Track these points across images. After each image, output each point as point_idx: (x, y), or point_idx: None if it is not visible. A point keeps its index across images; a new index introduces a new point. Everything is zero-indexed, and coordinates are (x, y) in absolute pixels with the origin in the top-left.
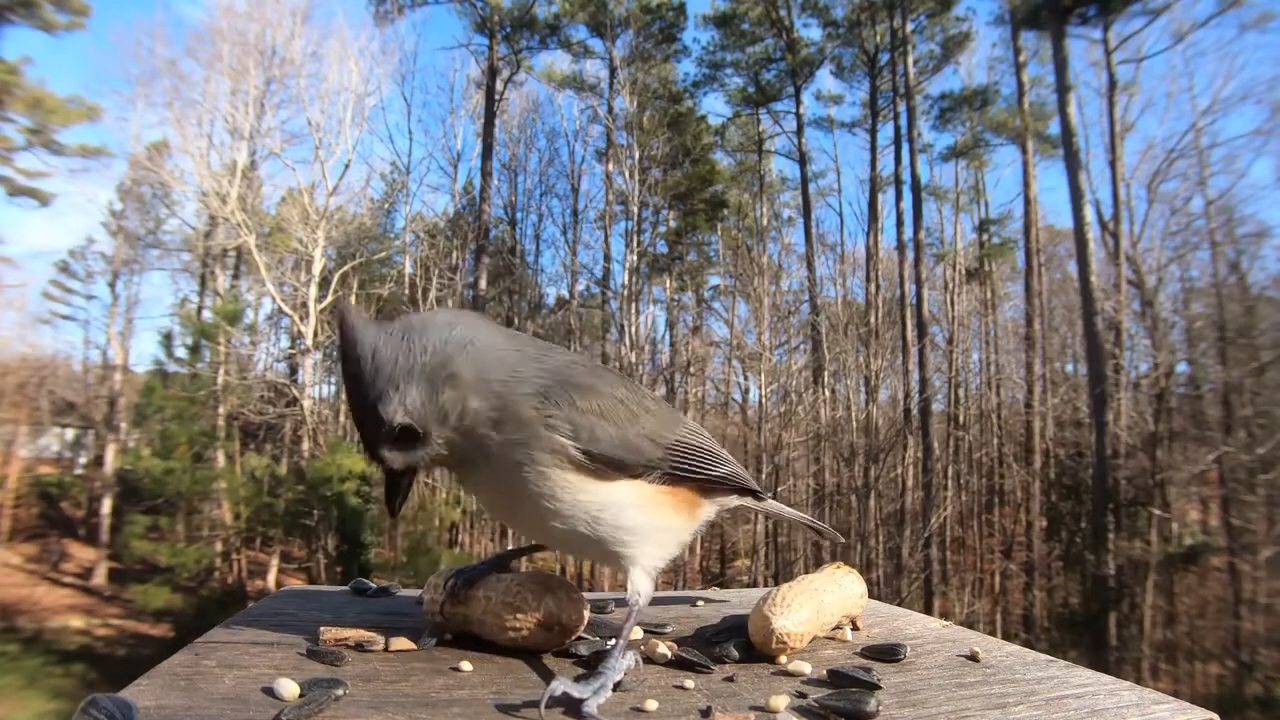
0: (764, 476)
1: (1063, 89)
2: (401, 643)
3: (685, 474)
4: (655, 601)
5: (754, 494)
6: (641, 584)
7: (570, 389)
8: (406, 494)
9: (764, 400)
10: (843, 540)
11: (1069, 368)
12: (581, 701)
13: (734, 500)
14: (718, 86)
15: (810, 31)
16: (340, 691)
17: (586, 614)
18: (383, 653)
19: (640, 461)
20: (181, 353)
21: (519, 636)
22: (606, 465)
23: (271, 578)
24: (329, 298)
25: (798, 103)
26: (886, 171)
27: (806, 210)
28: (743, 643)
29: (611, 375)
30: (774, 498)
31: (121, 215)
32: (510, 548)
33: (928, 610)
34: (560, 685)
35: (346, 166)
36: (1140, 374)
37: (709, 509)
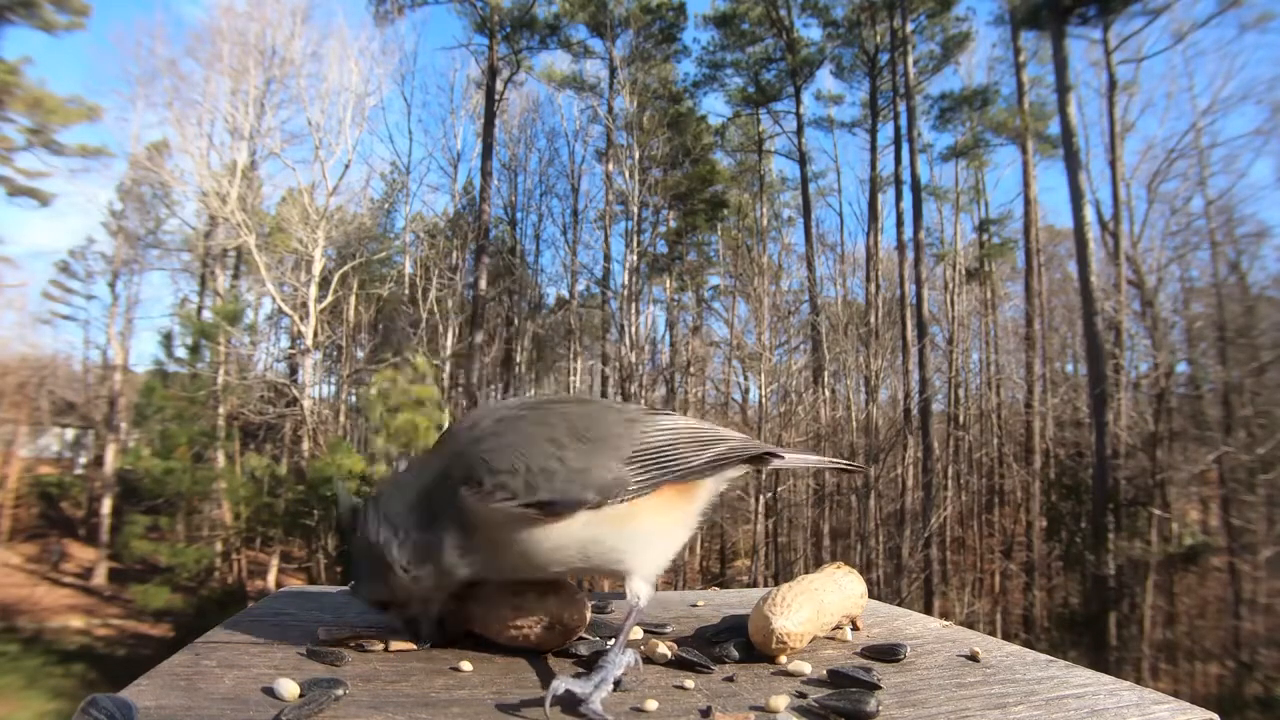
0: (764, 476)
1: (1063, 89)
2: (401, 643)
3: (659, 478)
4: (655, 601)
5: (763, 457)
6: (640, 589)
7: (486, 456)
8: (433, 622)
9: (764, 400)
10: (868, 470)
11: (1069, 368)
12: (584, 699)
13: (738, 471)
14: (718, 86)
15: (810, 31)
16: (340, 691)
17: (588, 614)
18: (383, 653)
19: (596, 489)
20: (181, 353)
21: (520, 636)
22: (562, 507)
23: (271, 578)
24: (329, 298)
25: (798, 103)
26: (886, 171)
27: (806, 210)
28: (743, 643)
29: (540, 413)
30: (788, 451)
31: (121, 215)
32: None
33: (928, 610)
34: (562, 684)
35: (346, 166)
36: (1140, 374)
37: (709, 488)
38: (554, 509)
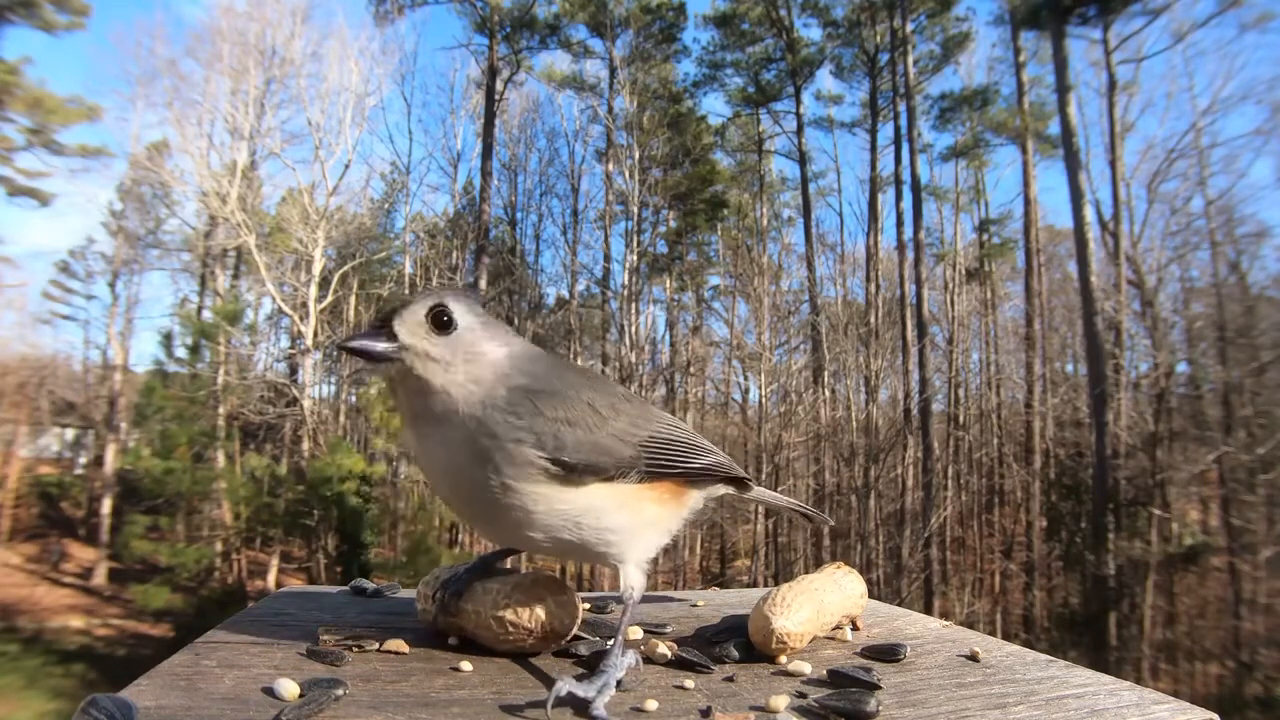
0: (764, 477)
1: (1063, 89)
2: (399, 644)
3: (663, 469)
4: (655, 601)
5: (741, 482)
6: (634, 579)
7: (533, 396)
8: (370, 366)
9: (764, 400)
10: (831, 523)
11: (1069, 368)
12: (589, 702)
13: (720, 489)
14: (718, 86)
15: (810, 31)
16: (340, 691)
17: (580, 614)
18: (382, 653)
19: (613, 463)
20: (181, 353)
21: (513, 646)
22: (578, 471)
23: (271, 578)
24: (329, 298)
25: (798, 103)
26: (886, 171)
27: (806, 210)
28: (743, 643)
29: (577, 376)
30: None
31: (121, 215)
32: (495, 550)
33: (928, 610)
34: (565, 686)
35: (346, 166)
36: (1140, 374)
37: (695, 499)
38: (572, 470)
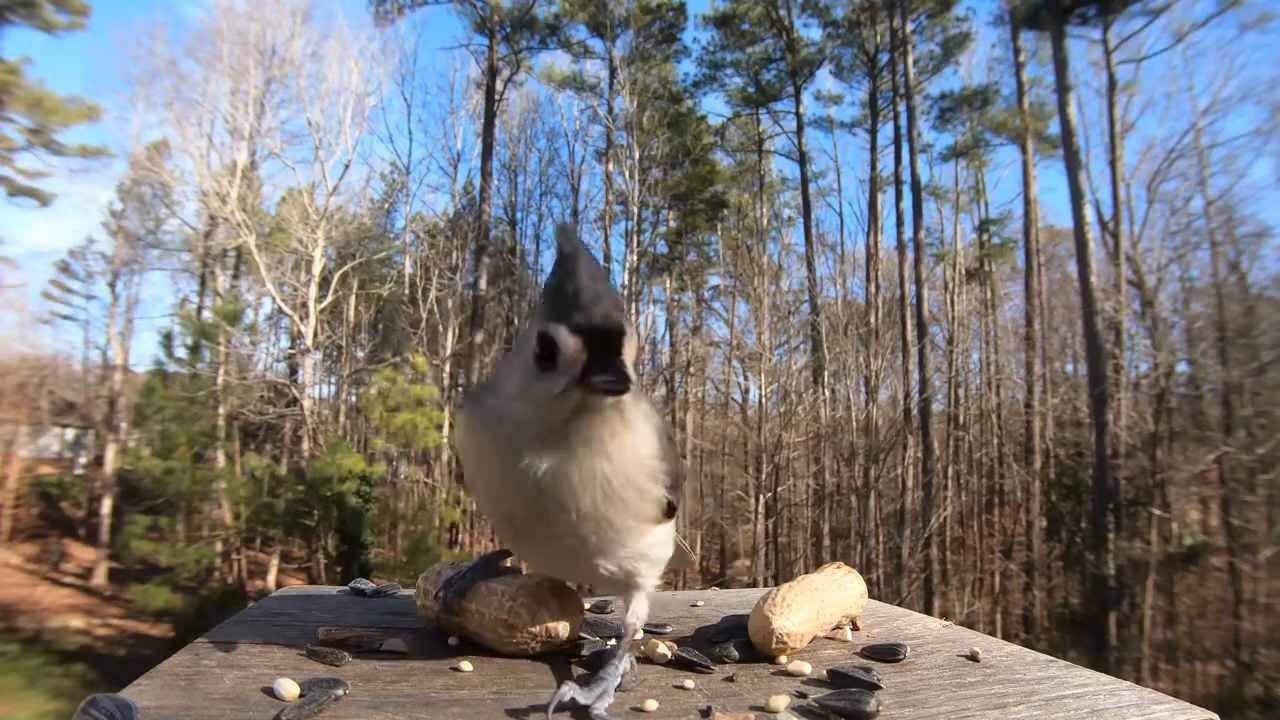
0: (764, 476)
1: (1063, 89)
2: (399, 644)
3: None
4: (655, 601)
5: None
6: (642, 609)
7: (665, 437)
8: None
9: (764, 400)
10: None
11: (1069, 368)
12: (589, 707)
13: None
14: (718, 86)
15: (810, 31)
16: (340, 691)
17: (583, 618)
18: (382, 653)
19: (675, 501)
20: (181, 353)
21: (517, 648)
22: (667, 511)
23: (271, 578)
24: (329, 298)
25: (798, 103)
26: (886, 171)
27: (806, 210)
28: (743, 643)
29: (652, 407)
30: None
31: (121, 215)
32: (498, 549)
33: (928, 610)
34: (569, 691)
35: (346, 166)
36: (1140, 374)
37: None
38: (670, 508)
